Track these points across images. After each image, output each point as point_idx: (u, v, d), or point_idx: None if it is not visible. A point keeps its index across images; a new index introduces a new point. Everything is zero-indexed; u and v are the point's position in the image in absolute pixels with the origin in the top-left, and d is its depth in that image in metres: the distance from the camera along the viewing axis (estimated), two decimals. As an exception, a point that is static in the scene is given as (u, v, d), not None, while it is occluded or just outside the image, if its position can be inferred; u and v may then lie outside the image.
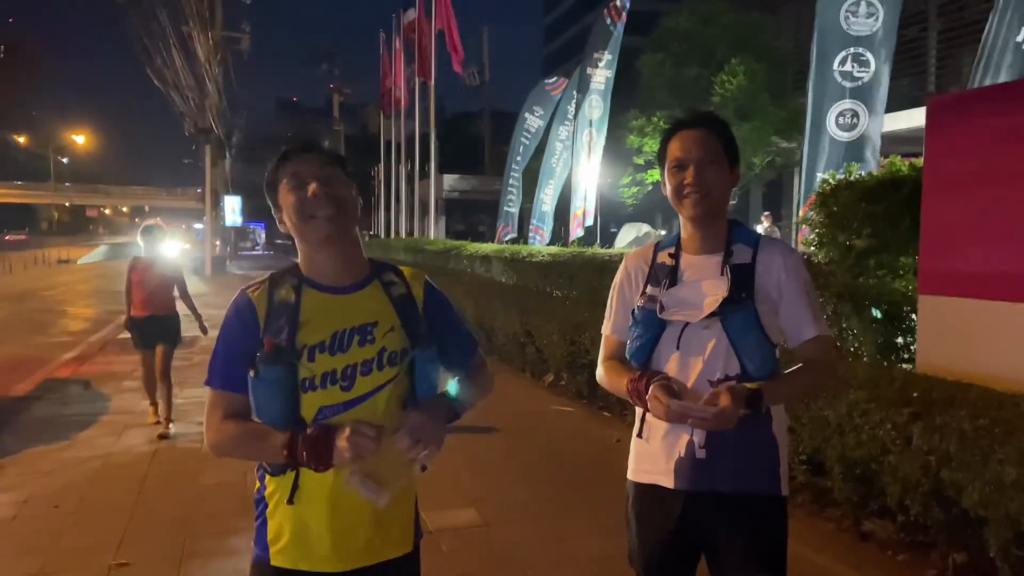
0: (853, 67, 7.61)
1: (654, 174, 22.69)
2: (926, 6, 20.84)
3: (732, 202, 2.05)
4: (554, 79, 18.72)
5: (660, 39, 23.05)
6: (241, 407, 1.63)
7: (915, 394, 3.51)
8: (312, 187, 1.62)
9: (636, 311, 1.97)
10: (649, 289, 1.96)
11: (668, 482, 1.89)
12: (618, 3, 12.56)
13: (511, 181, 18.95)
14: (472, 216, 41.48)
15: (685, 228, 1.98)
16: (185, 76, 26.48)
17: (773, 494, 1.88)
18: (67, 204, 77.58)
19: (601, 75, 12.77)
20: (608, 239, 22.25)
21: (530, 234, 16.67)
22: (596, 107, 12.94)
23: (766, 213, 20.46)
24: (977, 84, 6.33)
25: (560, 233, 16.05)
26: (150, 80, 26.20)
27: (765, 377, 1.82)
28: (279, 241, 61.37)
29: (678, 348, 1.88)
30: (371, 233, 37.64)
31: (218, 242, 30.06)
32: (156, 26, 25.29)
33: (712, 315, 1.83)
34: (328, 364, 1.59)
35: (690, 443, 1.87)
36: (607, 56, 12.81)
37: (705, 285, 1.88)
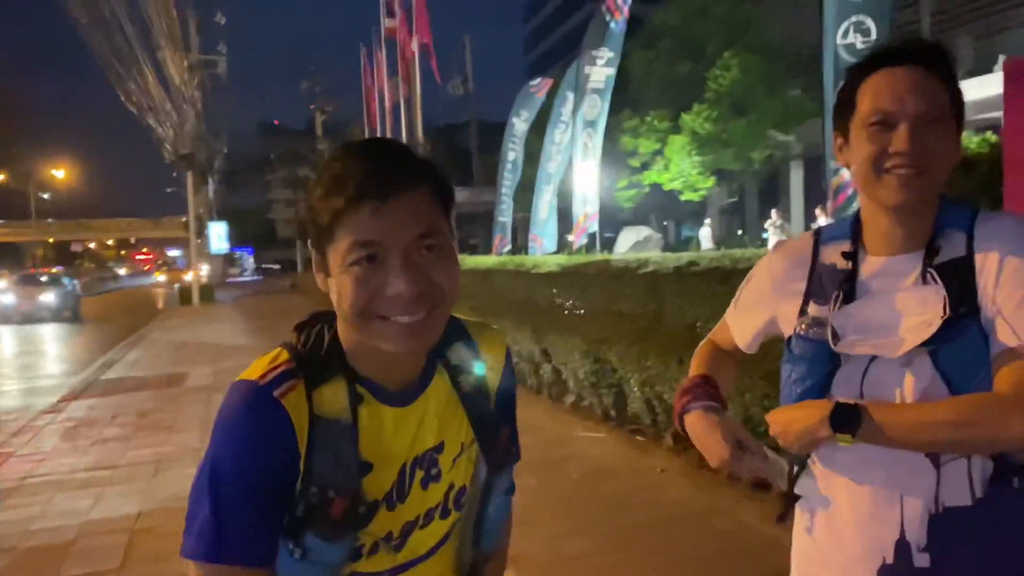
0: (856, 38, 6.98)
1: (650, 175, 22.19)
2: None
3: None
4: (538, 80, 18.30)
5: (649, 36, 22.64)
6: None
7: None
8: (402, 281, 0.87)
9: (794, 341, 1.32)
10: (812, 308, 1.31)
11: None
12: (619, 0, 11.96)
13: (503, 191, 18.34)
14: (463, 229, 40.90)
15: (875, 218, 1.29)
16: (162, 102, 25.86)
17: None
18: (50, 240, 76.56)
19: (600, 73, 12.17)
20: (606, 245, 21.65)
21: (529, 244, 16.06)
22: (594, 107, 12.35)
23: (776, 210, 19.74)
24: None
25: (563, 242, 15.48)
26: (130, 110, 25.62)
27: None
28: (266, 266, 60.42)
29: (862, 393, 1.23)
30: None
31: (204, 270, 29.37)
32: (130, 52, 24.69)
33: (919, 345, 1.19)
34: (387, 523, 0.95)
35: (902, 542, 1.21)
36: (608, 54, 12.20)
37: (900, 300, 1.22)
